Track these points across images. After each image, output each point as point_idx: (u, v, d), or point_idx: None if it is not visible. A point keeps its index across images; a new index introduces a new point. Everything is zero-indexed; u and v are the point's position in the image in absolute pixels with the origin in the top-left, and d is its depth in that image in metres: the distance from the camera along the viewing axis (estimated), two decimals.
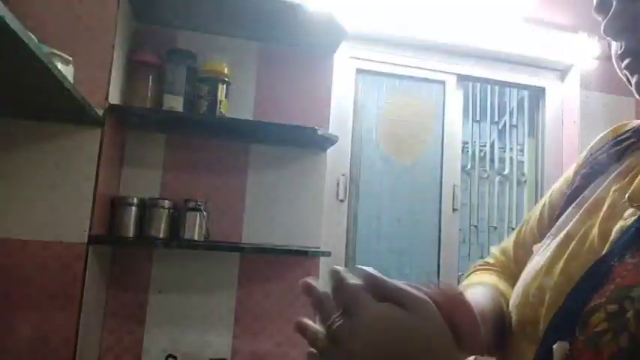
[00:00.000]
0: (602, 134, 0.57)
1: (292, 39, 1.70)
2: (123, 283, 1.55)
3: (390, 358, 0.34)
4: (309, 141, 1.65)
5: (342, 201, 1.88)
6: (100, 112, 1.30)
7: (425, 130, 2.05)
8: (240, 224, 1.66)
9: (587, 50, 2.03)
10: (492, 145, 2.20)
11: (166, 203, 1.50)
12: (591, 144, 0.58)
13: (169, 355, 1.52)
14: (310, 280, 0.43)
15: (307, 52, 1.76)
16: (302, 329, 0.42)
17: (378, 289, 0.37)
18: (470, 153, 2.16)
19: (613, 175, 0.49)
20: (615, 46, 0.49)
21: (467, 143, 2.15)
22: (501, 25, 1.98)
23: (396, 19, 1.89)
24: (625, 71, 0.48)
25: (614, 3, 0.47)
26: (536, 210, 0.63)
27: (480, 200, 2.14)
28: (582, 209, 0.49)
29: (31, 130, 1.27)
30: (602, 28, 0.48)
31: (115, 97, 1.41)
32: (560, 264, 0.45)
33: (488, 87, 2.21)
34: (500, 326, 0.50)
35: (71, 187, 1.28)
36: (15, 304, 1.23)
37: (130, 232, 1.46)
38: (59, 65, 1.10)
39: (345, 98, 1.92)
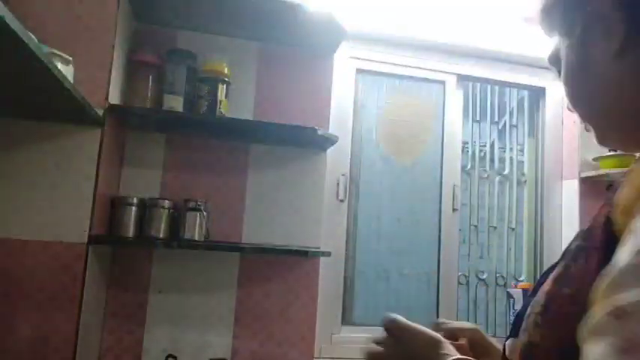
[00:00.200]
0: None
1: (292, 39, 1.70)
2: (123, 283, 1.55)
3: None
4: (309, 141, 1.65)
5: (342, 201, 1.88)
6: (100, 112, 1.30)
7: (425, 130, 2.05)
8: (240, 224, 1.66)
9: None
10: (492, 145, 2.20)
11: (166, 203, 1.50)
12: None
13: (169, 355, 1.52)
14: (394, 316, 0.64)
15: (307, 52, 1.76)
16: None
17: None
18: (470, 153, 2.16)
19: None
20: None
21: (467, 143, 2.15)
22: (501, 25, 1.98)
23: (396, 19, 1.89)
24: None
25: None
26: None
27: (479, 200, 2.14)
28: None
29: (31, 130, 1.27)
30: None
31: (115, 97, 1.41)
32: None
33: (489, 87, 2.21)
34: None
35: (71, 187, 1.28)
36: (15, 304, 1.23)
37: (130, 232, 1.46)
38: (59, 65, 1.10)
39: (345, 98, 1.92)
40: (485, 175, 2.17)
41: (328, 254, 1.61)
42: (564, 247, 0.48)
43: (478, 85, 2.19)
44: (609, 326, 0.31)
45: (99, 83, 1.33)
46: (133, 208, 1.47)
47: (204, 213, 1.52)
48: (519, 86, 2.19)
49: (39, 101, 1.14)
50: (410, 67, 2.01)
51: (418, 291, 1.97)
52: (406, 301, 1.96)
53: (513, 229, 2.17)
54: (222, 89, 1.56)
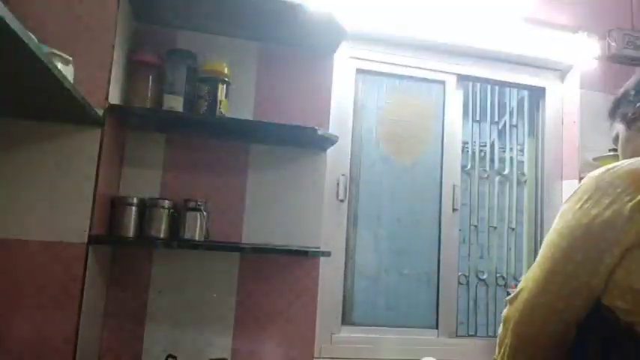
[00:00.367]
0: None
1: (292, 39, 1.70)
2: (123, 283, 1.55)
3: None
4: (309, 141, 1.65)
5: (342, 201, 1.88)
6: (100, 112, 1.30)
7: (425, 130, 2.05)
8: (240, 224, 1.66)
9: (587, 50, 2.03)
10: (492, 145, 2.20)
11: (166, 203, 1.50)
12: None
13: (169, 355, 1.52)
14: None
15: (307, 52, 1.76)
16: None
17: None
18: (470, 153, 2.15)
19: None
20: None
21: (467, 143, 2.15)
22: (501, 25, 1.98)
23: (396, 19, 1.89)
24: None
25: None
26: None
27: (480, 200, 2.14)
28: None
29: (31, 130, 1.28)
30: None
31: (115, 97, 1.41)
32: None
33: (488, 87, 2.21)
34: None
35: (71, 187, 1.28)
36: (15, 304, 1.23)
37: (130, 232, 1.46)
38: (59, 65, 1.10)
39: (345, 98, 1.92)
40: (485, 175, 2.17)
41: (328, 254, 1.61)
42: None
43: (478, 85, 2.19)
44: None
45: (99, 83, 1.33)
46: (133, 208, 1.47)
47: (204, 213, 1.52)
48: (519, 86, 2.19)
49: (39, 101, 1.14)
50: (410, 67, 2.01)
51: (418, 291, 1.97)
52: (406, 301, 1.96)
53: (513, 229, 2.17)
54: (222, 89, 1.56)
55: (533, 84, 2.14)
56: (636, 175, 0.69)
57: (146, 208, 1.50)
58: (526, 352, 0.74)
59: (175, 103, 1.51)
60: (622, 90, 0.88)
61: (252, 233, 1.66)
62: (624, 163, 0.72)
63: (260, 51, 1.74)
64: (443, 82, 2.06)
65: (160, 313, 1.57)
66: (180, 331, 1.58)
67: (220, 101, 1.56)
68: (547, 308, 0.72)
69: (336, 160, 1.84)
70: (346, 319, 1.85)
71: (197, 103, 1.54)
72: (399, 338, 1.86)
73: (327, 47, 1.75)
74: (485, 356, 1.92)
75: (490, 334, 2.03)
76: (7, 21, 0.66)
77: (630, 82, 0.86)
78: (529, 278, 0.76)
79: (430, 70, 2.03)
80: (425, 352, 1.75)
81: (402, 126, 2.03)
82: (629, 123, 0.85)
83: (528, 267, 2.33)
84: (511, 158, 2.21)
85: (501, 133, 2.26)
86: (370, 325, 1.86)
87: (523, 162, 2.23)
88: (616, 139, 0.90)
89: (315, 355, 1.70)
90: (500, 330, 0.79)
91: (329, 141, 1.64)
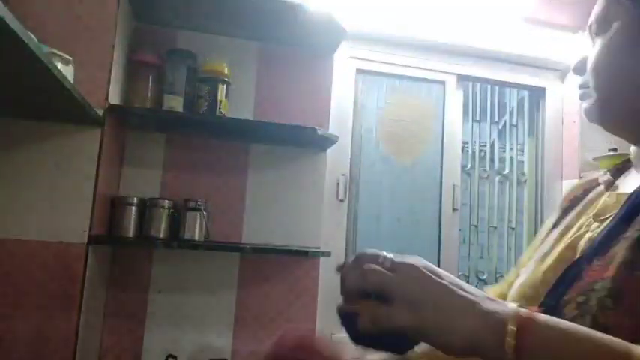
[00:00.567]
0: (573, 185, 0.74)
1: (292, 39, 1.70)
2: (123, 283, 1.55)
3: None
4: (309, 141, 1.65)
5: (342, 201, 1.88)
6: (100, 112, 1.30)
7: (425, 130, 2.05)
8: (240, 224, 1.66)
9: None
10: (492, 145, 2.20)
11: (166, 203, 1.50)
12: (565, 193, 0.76)
13: (169, 355, 1.52)
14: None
15: (307, 52, 1.76)
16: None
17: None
18: (470, 153, 2.15)
19: (580, 207, 0.65)
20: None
21: (467, 143, 2.15)
22: (501, 25, 1.98)
23: (396, 19, 1.89)
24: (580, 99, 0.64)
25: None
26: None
27: (479, 200, 2.14)
28: (557, 233, 0.64)
29: (31, 130, 1.27)
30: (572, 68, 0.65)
31: (115, 97, 1.41)
32: (540, 274, 0.59)
33: (488, 87, 2.21)
34: None
35: (71, 187, 1.28)
36: (15, 304, 1.23)
37: (130, 232, 1.46)
38: (59, 65, 1.10)
39: (345, 98, 1.92)
40: (485, 175, 2.17)
41: (328, 254, 1.61)
42: None
43: (478, 85, 2.19)
44: None
45: (99, 83, 1.33)
46: (133, 208, 1.47)
47: (204, 213, 1.52)
48: (519, 86, 2.19)
49: (39, 101, 1.14)
50: (410, 67, 2.01)
51: None
52: None
53: (513, 229, 2.17)
54: (222, 89, 1.56)
55: (533, 84, 2.14)
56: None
57: (146, 208, 1.50)
58: None
59: (175, 103, 1.51)
60: None
61: (252, 233, 1.66)
62: None
63: (260, 51, 1.74)
64: (443, 82, 2.06)
65: (160, 313, 1.57)
66: (180, 331, 1.58)
67: (220, 101, 1.56)
68: None
69: (336, 160, 1.84)
70: None
71: (197, 103, 1.54)
72: None
73: (327, 47, 1.75)
74: None
75: None
76: (7, 21, 0.66)
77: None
78: None
79: (430, 70, 2.03)
80: None
81: (402, 126, 2.03)
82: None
83: None
84: (511, 158, 2.22)
85: (501, 133, 2.26)
86: None
87: (523, 162, 2.23)
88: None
89: None
90: None
91: (329, 141, 1.64)
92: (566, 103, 2.14)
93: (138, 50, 1.54)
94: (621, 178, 0.65)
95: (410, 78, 2.04)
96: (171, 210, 1.51)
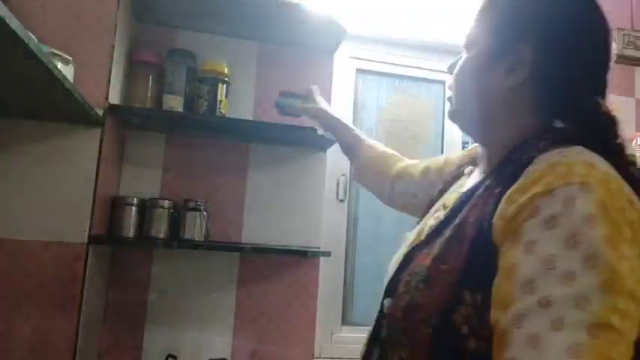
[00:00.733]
0: (463, 152, 0.86)
1: (292, 39, 1.70)
2: (123, 283, 1.55)
3: None
4: (309, 141, 1.65)
5: (342, 201, 1.88)
6: (100, 112, 1.30)
7: (425, 130, 2.05)
8: (240, 224, 1.66)
9: None
10: None
11: (166, 203, 1.50)
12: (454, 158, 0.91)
13: (169, 355, 1.52)
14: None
15: (307, 52, 1.76)
16: None
17: None
18: None
19: (447, 193, 0.77)
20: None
21: (467, 143, 2.15)
22: None
23: (396, 19, 1.89)
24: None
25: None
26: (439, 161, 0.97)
27: None
28: (424, 216, 0.77)
29: (31, 130, 1.27)
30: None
31: (115, 97, 1.41)
32: (400, 253, 0.70)
33: None
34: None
35: (71, 187, 1.28)
36: (15, 304, 1.23)
37: (130, 232, 1.46)
38: (59, 65, 1.10)
39: (345, 98, 1.92)
40: None
41: (328, 254, 1.61)
42: None
43: None
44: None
45: (99, 83, 1.33)
46: (133, 208, 1.47)
47: (204, 213, 1.52)
48: None
49: (39, 101, 1.14)
50: (410, 67, 2.01)
51: None
52: None
53: None
54: (222, 89, 1.56)
55: None
56: None
57: (146, 208, 1.49)
58: None
59: (175, 103, 1.51)
60: None
61: (252, 233, 1.66)
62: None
63: (260, 51, 1.74)
64: (443, 82, 2.05)
65: (160, 313, 1.57)
66: (180, 331, 1.58)
67: (220, 101, 1.56)
68: None
69: (336, 160, 1.84)
70: (346, 319, 1.85)
71: (197, 103, 1.54)
72: None
73: (327, 47, 1.75)
74: None
75: None
76: (7, 21, 0.66)
77: None
78: None
79: (430, 70, 2.03)
80: None
81: (402, 126, 2.03)
82: None
83: None
84: None
85: None
86: (370, 325, 1.86)
87: None
88: None
89: (315, 355, 1.70)
90: None
91: (329, 141, 1.64)
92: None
93: (138, 50, 1.54)
94: (465, 177, 0.76)
95: (410, 78, 2.04)
96: (171, 210, 1.51)
